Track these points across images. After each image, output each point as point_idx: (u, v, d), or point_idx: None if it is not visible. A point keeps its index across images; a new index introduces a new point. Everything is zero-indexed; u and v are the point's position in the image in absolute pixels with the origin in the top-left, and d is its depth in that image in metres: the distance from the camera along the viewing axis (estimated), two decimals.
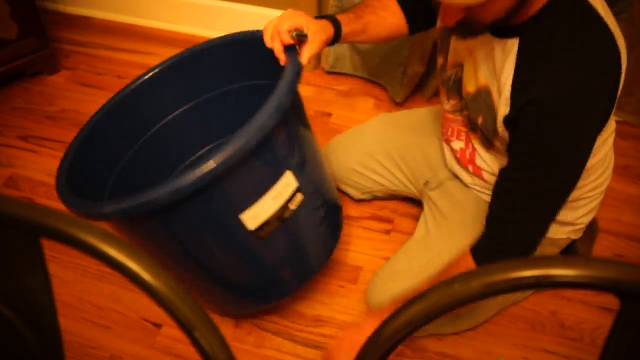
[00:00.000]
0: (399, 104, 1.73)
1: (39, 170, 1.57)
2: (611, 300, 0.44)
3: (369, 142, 1.33)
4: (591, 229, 1.23)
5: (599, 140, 0.97)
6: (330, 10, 1.67)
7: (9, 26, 1.66)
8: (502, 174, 0.95)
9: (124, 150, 1.14)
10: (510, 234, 0.94)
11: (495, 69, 0.92)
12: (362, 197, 1.41)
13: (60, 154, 1.67)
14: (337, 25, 1.05)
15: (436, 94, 1.75)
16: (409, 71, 1.65)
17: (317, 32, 1.01)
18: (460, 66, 1.04)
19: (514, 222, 0.93)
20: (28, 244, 0.45)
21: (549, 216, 0.94)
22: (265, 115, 0.84)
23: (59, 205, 1.47)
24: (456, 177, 1.21)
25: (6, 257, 0.47)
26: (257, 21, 1.90)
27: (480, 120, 1.00)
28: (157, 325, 1.24)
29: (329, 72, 1.82)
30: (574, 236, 1.18)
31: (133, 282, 0.41)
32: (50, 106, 1.75)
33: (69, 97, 1.77)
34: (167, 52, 1.92)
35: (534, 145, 0.87)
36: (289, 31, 0.97)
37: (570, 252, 1.23)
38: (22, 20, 1.67)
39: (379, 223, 1.43)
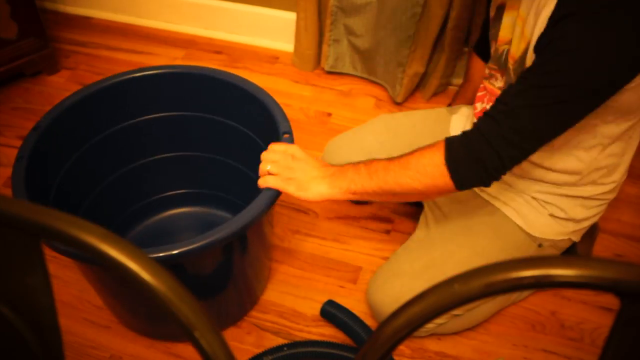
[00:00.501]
0: (399, 104, 1.73)
1: None
2: (611, 300, 0.44)
3: (369, 142, 1.33)
4: (591, 229, 1.23)
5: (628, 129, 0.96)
6: (330, 10, 1.67)
7: (9, 26, 1.66)
8: (503, 95, 0.90)
9: (71, 152, 1.15)
10: (493, 137, 0.88)
11: (537, 14, 0.90)
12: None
13: None
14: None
15: (436, 94, 1.75)
16: (409, 71, 1.65)
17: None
18: (509, 43, 1.03)
19: (505, 125, 0.87)
20: (28, 244, 0.45)
21: (544, 136, 0.88)
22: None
23: None
24: None
25: (6, 257, 0.47)
26: (257, 21, 1.91)
27: None
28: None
29: (329, 72, 1.82)
30: (575, 238, 1.18)
31: (133, 282, 0.41)
32: (50, 106, 1.74)
33: None
34: (167, 52, 1.93)
35: (552, 61, 0.83)
36: None
37: (570, 252, 1.23)
38: (22, 20, 1.67)
39: (379, 223, 1.43)
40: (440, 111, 1.37)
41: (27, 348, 0.52)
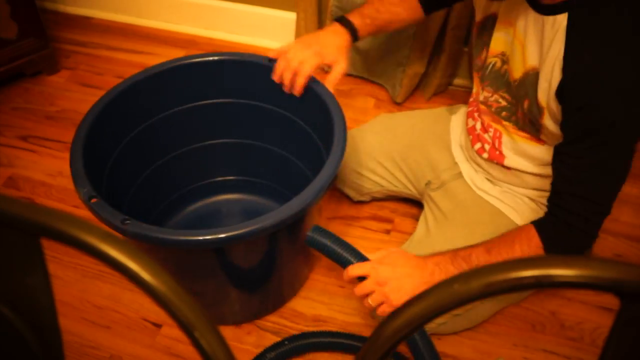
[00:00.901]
0: (399, 104, 1.73)
1: (39, 170, 1.57)
2: (611, 300, 0.44)
3: (369, 143, 1.33)
4: None
5: None
6: (330, 10, 1.67)
7: (9, 26, 1.66)
8: (560, 149, 0.93)
9: (116, 145, 1.15)
10: (575, 206, 0.91)
11: (544, 46, 0.91)
12: (361, 198, 1.41)
13: (61, 154, 1.68)
14: (355, 37, 1.12)
15: (436, 94, 1.75)
16: (409, 71, 1.65)
17: (340, 59, 1.08)
18: (500, 55, 1.04)
19: (578, 195, 0.90)
20: (28, 244, 0.45)
21: (615, 188, 0.91)
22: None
23: (59, 205, 1.48)
24: (483, 171, 1.21)
25: (6, 257, 0.47)
26: (257, 21, 1.90)
27: (526, 104, 0.98)
28: (157, 325, 1.24)
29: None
30: None
31: (133, 282, 0.41)
32: (50, 106, 1.75)
33: (69, 97, 1.77)
34: (167, 52, 1.93)
35: (588, 115, 0.85)
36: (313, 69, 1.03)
37: None
38: (22, 20, 1.67)
39: (379, 223, 1.43)
40: (440, 111, 1.37)
41: (27, 348, 0.52)
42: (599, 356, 0.45)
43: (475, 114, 1.17)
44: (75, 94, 1.78)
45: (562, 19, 0.87)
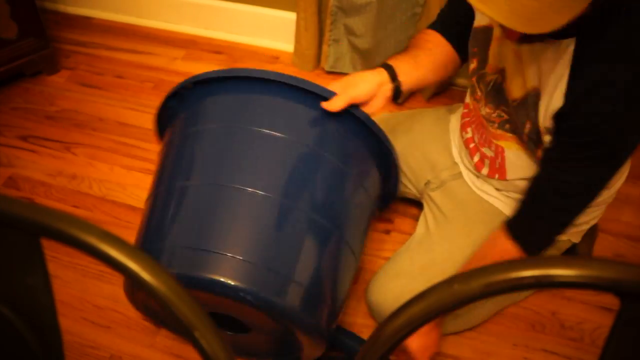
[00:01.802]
0: (399, 104, 1.72)
1: (39, 170, 1.57)
2: (611, 300, 0.44)
3: None
4: (591, 229, 1.23)
5: None
6: (330, 10, 1.67)
7: (9, 26, 1.66)
8: (547, 161, 0.95)
9: None
10: (550, 211, 0.96)
11: (546, 69, 0.90)
12: None
13: (61, 154, 1.68)
14: (392, 76, 1.05)
15: (436, 94, 1.75)
16: None
17: (368, 94, 1.02)
18: (501, 71, 1.01)
19: (555, 203, 0.94)
20: (28, 244, 0.45)
21: (590, 199, 0.95)
22: None
23: (59, 205, 1.48)
24: (481, 180, 1.21)
25: (6, 257, 0.47)
26: (257, 21, 1.90)
27: (528, 126, 0.98)
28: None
29: (329, 72, 1.82)
30: (574, 239, 1.18)
31: (133, 282, 0.41)
32: (50, 106, 1.75)
33: (69, 97, 1.77)
34: (167, 52, 1.93)
35: (586, 134, 0.87)
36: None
37: (570, 253, 1.23)
38: (22, 20, 1.67)
39: (379, 223, 1.43)
40: (440, 111, 1.37)
41: (27, 348, 0.52)
42: (599, 356, 0.45)
43: (472, 126, 1.16)
44: (75, 94, 1.78)
45: (568, 43, 0.86)
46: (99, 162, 1.58)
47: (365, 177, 1.08)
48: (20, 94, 1.78)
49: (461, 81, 1.77)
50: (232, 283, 0.89)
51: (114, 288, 1.30)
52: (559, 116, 0.89)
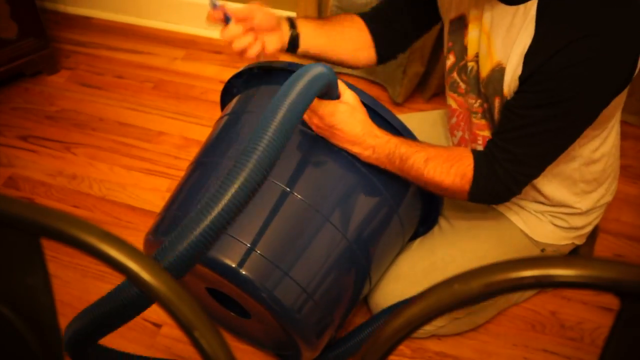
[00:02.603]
0: (399, 104, 1.73)
1: (39, 170, 1.57)
2: (611, 300, 0.44)
3: None
4: (592, 229, 1.23)
5: (605, 131, 0.99)
6: (330, 10, 1.67)
7: (9, 26, 1.66)
8: (509, 109, 0.92)
9: None
10: (508, 163, 0.93)
11: (510, 37, 0.90)
12: None
13: (60, 154, 1.68)
14: (293, 35, 1.05)
15: (436, 94, 1.75)
16: (409, 71, 1.65)
17: (274, 37, 1.01)
18: (475, 58, 1.01)
19: (515, 154, 0.92)
20: (28, 244, 0.45)
21: (551, 158, 0.94)
22: None
23: (59, 205, 1.48)
24: None
25: (6, 257, 0.47)
26: None
27: (497, 104, 0.97)
28: (157, 325, 1.24)
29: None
30: (578, 242, 1.18)
31: (133, 282, 0.41)
32: (50, 106, 1.75)
33: (69, 97, 1.78)
34: (167, 52, 1.93)
35: (542, 100, 0.86)
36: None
37: (571, 253, 1.23)
38: (22, 20, 1.67)
39: None
40: (438, 114, 1.37)
41: (27, 348, 0.52)
42: (599, 356, 0.45)
43: (462, 124, 1.15)
44: (75, 94, 1.78)
45: (530, 7, 0.85)
46: (99, 162, 1.58)
47: (406, 214, 1.08)
48: (20, 94, 1.78)
49: None
50: (245, 273, 0.90)
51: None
52: (523, 82, 0.89)
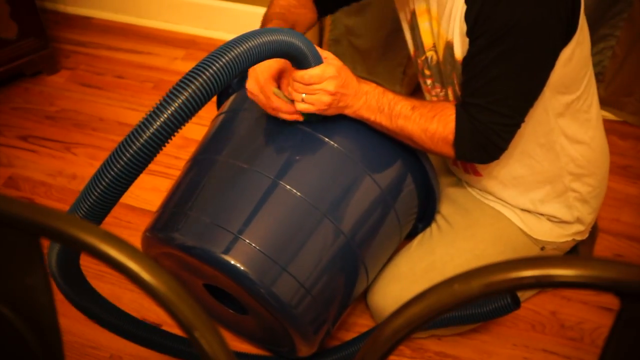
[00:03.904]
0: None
1: (39, 170, 1.57)
2: (611, 300, 0.44)
3: None
4: (592, 229, 1.23)
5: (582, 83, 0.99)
6: None
7: (9, 26, 1.66)
8: (467, 60, 0.93)
9: None
10: (483, 117, 0.92)
11: (451, 14, 0.93)
12: None
13: (60, 154, 1.68)
14: None
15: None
16: (409, 71, 1.65)
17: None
18: (433, 48, 1.04)
19: (486, 107, 0.92)
20: (28, 244, 0.45)
21: (524, 99, 0.93)
22: None
23: (59, 205, 1.48)
24: (463, 182, 1.21)
25: (6, 257, 0.47)
26: (257, 21, 1.90)
27: (456, 81, 1.00)
28: (157, 325, 1.24)
29: None
30: (579, 237, 1.18)
31: (133, 282, 0.41)
32: (50, 106, 1.75)
33: (69, 97, 1.77)
34: (167, 52, 1.93)
35: (487, 40, 0.87)
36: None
37: (571, 253, 1.23)
38: (22, 20, 1.67)
39: None
40: None
41: (27, 348, 0.52)
42: (599, 356, 0.45)
43: None
44: (75, 94, 1.78)
45: None
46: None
47: (403, 210, 1.08)
48: (20, 94, 1.78)
49: None
50: (242, 268, 0.90)
51: (114, 288, 1.30)
52: (468, 38, 0.91)
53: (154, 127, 0.73)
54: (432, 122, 0.95)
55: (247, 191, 0.95)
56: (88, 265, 1.34)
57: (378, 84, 1.00)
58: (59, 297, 0.51)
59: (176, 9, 1.97)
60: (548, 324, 1.25)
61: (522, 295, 1.27)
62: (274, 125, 1.01)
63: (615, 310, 0.42)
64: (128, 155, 0.73)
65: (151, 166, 1.61)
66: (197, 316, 0.41)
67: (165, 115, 0.73)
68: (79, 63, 1.89)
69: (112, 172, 0.75)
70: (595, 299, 1.28)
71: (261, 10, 1.86)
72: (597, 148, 1.08)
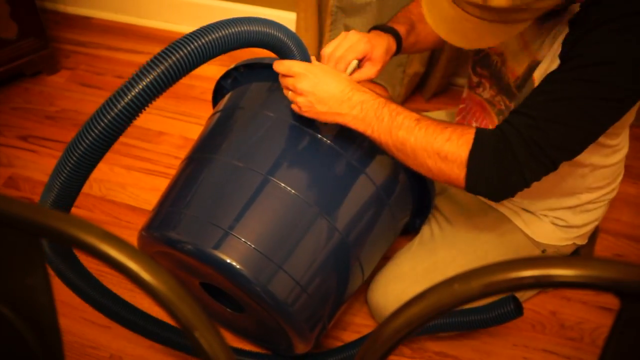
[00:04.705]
0: (399, 104, 1.72)
1: (39, 170, 1.57)
2: (611, 300, 0.44)
3: None
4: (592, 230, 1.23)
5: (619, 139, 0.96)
6: (330, 10, 1.67)
7: (9, 26, 1.66)
8: (522, 103, 0.83)
9: None
10: (527, 137, 0.81)
11: (546, 36, 0.87)
12: None
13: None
14: (399, 42, 1.06)
15: (436, 94, 1.75)
16: (409, 71, 1.65)
17: (382, 56, 1.03)
18: (500, 55, 0.99)
19: (538, 127, 0.80)
20: (28, 244, 0.45)
21: (579, 139, 0.82)
22: None
23: None
24: None
25: (6, 257, 0.47)
26: None
27: (516, 93, 0.96)
28: None
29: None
30: (580, 242, 1.17)
31: (133, 282, 0.41)
32: (50, 106, 1.75)
33: (69, 97, 1.77)
34: None
35: (576, 64, 0.78)
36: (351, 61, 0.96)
37: (571, 253, 1.23)
38: (22, 20, 1.67)
39: None
40: (439, 115, 1.37)
41: (27, 348, 0.52)
42: (599, 356, 0.45)
43: (465, 112, 1.15)
44: (75, 94, 1.78)
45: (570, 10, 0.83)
46: (99, 162, 1.58)
47: (397, 206, 1.09)
48: (20, 94, 1.78)
49: (460, 81, 1.77)
50: (238, 267, 0.90)
51: (114, 288, 1.30)
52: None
53: (133, 93, 0.79)
54: (442, 136, 0.84)
55: (242, 189, 0.96)
56: (88, 265, 1.34)
57: (382, 86, 1.00)
58: (59, 297, 0.51)
59: (176, 9, 1.97)
60: (548, 324, 1.25)
61: (522, 295, 1.27)
62: (268, 123, 1.01)
63: (615, 310, 0.42)
64: (90, 138, 0.81)
65: (151, 166, 1.61)
66: (197, 316, 0.41)
67: (141, 86, 0.80)
68: (79, 63, 1.89)
69: (76, 154, 0.84)
70: (595, 299, 1.28)
71: (261, 11, 1.87)
72: (620, 162, 1.07)
